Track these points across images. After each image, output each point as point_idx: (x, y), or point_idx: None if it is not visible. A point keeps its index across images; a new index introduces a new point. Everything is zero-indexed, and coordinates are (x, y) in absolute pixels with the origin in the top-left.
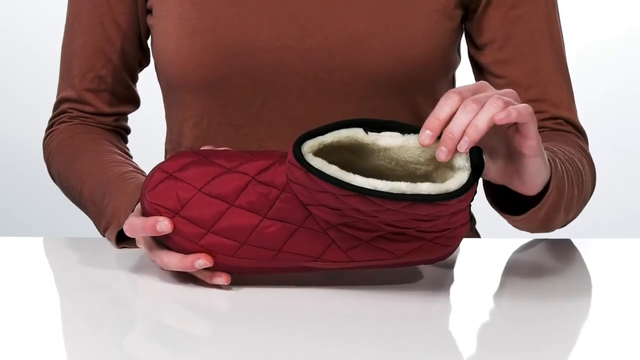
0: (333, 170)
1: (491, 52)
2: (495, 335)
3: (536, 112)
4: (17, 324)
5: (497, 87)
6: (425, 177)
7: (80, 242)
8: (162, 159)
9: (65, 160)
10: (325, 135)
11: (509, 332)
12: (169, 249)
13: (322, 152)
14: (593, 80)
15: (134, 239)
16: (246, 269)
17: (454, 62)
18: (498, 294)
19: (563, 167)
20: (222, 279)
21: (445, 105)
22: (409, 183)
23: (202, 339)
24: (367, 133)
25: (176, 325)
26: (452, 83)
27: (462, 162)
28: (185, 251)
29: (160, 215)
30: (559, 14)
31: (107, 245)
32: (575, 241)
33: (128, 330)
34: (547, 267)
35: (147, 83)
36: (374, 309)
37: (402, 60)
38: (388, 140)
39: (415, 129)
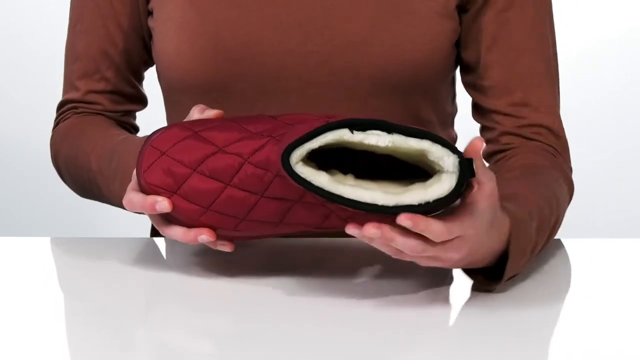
0: (322, 180)
1: (478, 53)
2: (494, 335)
3: (516, 117)
4: (22, 324)
5: (482, 89)
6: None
7: (86, 242)
8: None
9: (72, 145)
10: (312, 141)
11: (508, 332)
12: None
13: (313, 152)
14: (593, 80)
15: None
16: (248, 238)
17: (454, 63)
18: (496, 294)
19: (534, 221)
20: (225, 246)
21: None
22: (395, 189)
23: (207, 340)
24: (352, 133)
25: (182, 326)
26: (452, 84)
27: (450, 168)
28: (186, 226)
29: (159, 194)
30: (551, 19)
31: (114, 246)
32: (573, 241)
33: (133, 331)
34: (546, 267)
35: (148, 85)
36: (375, 311)
37: (403, 63)
38: (375, 139)
39: (401, 129)
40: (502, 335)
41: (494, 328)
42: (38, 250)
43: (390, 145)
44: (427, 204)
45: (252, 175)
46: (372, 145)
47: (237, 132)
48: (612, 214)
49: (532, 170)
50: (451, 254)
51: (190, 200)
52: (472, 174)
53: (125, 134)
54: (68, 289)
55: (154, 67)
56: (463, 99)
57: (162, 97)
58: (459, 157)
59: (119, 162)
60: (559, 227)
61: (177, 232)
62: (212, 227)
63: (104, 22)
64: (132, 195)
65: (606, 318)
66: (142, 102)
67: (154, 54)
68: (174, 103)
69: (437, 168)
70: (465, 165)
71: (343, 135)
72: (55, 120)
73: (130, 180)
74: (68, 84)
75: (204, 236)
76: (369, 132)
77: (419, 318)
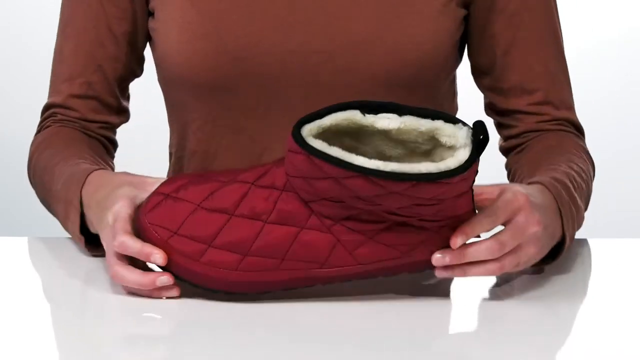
0: (335, 151)
1: (494, 57)
2: (495, 335)
3: (538, 114)
4: (22, 324)
5: (501, 91)
6: (426, 155)
7: (70, 242)
8: (166, 163)
9: (42, 160)
10: (324, 118)
11: (509, 332)
12: (165, 269)
13: (322, 138)
14: (593, 80)
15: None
16: (249, 283)
17: (455, 61)
18: (498, 294)
19: (572, 189)
20: (173, 291)
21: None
22: (410, 163)
23: (207, 339)
24: (364, 115)
25: (182, 325)
26: (453, 82)
27: (463, 140)
28: (187, 271)
29: (158, 234)
30: (558, 15)
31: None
32: (575, 241)
33: (132, 332)
34: (547, 266)
35: (150, 88)
36: (374, 312)
37: (404, 62)
38: (385, 122)
39: (411, 110)
40: (503, 335)
41: (494, 328)
42: (38, 250)
43: (402, 127)
44: (447, 171)
45: (258, 197)
46: (382, 129)
47: (242, 169)
48: (612, 214)
49: (547, 152)
50: (530, 229)
51: (192, 238)
52: (486, 132)
53: (83, 163)
54: (67, 289)
55: (152, 74)
56: (463, 99)
57: (158, 106)
58: (470, 128)
59: (63, 190)
60: (592, 185)
61: (134, 275)
62: (213, 266)
63: (95, 24)
64: (125, 239)
65: (606, 318)
66: (123, 115)
67: (154, 55)
68: (176, 104)
69: (449, 145)
70: (479, 126)
71: (354, 115)
72: (38, 126)
73: (72, 208)
74: (52, 87)
75: (165, 277)
76: (380, 115)
77: (420, 318)
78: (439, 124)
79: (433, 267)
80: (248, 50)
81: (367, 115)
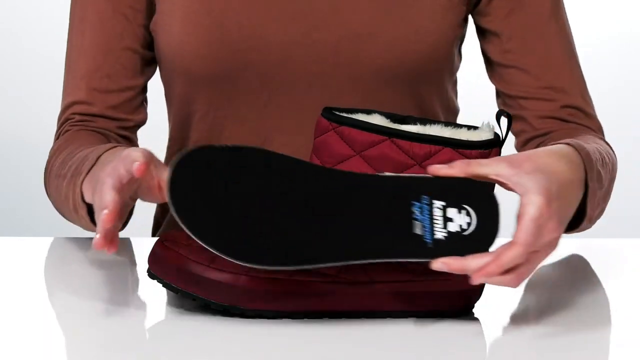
0: (377, 120)
1: (499, 43)
2: (495, 335)
3: (548, 100)
4: (23, 324)
5: (508, 76)
6: None
7: (87, 242)
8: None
9: (57, 167)
10: (355, 114)
11: (510, 332)
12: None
13: None
14: (593, 80)
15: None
16: (256, 293)
17: (456, 60)
18: (499, 294)
19: (596, 158)
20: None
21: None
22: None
23: (208, 338)
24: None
25: (183, 325)
26: (455, 84)
27: (486, 131)
28: (196, 278)
29: (169, 245)
30: (563, 1)
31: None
32: (575, 241)
33: (133, 332)
34: (548, 267)
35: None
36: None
37: (408, 54)
38: (412, 127)
39: (434, 121)
40: (504, 335)
41: (495, 328)
42: (39, 251)
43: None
44: (468, 141)
45: None
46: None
47: None
48: (612, 213)
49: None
50: (549, 236)
51: (205, 248)
52: (509, 114)
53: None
54: (68, 289)
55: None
56: (463, 100)
57: (157, 109)
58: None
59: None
60: (615, 172)
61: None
62: (223, 270)
63: (112, 15)
64: (146, 153)
65: (606, 318)
66: (141, 116)
67: (156, 49)
68: (178, 95)
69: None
70: (500, 113)
71: (382, 120)
72: (56, 133)
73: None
74: (70, 86)
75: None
76: (403, 126)
77: (420, 320)
78: (462, 131)
79: (444, 308)
80: (251, 41)
81: (394, 123)
